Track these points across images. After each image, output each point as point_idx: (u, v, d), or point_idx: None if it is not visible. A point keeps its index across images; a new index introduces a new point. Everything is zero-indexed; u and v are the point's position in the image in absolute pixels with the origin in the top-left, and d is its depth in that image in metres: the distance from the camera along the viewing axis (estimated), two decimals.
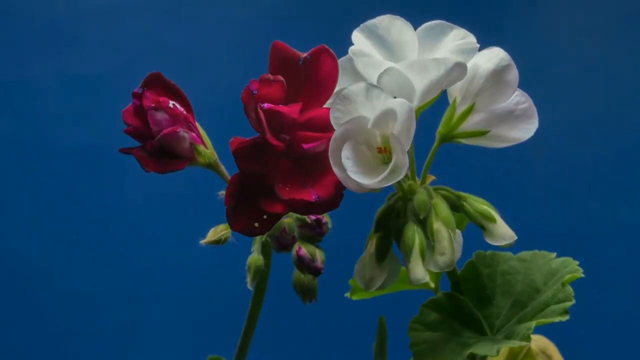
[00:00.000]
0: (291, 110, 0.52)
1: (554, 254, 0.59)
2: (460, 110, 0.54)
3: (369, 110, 0.50)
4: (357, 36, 0.53)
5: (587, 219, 1.30)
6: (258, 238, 0.60)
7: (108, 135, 1.20)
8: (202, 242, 0.58)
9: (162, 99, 0.56)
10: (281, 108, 0.51)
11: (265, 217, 0.51)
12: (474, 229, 0.55)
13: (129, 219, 1.34)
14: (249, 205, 0.51)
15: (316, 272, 0.59)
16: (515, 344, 0.53)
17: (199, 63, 1.32)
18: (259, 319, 0.64)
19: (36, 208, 1.35)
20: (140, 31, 1.37)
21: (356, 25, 0.55)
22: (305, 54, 0.53)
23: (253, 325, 0.64)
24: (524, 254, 0.60)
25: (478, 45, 0.53)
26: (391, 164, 0.49)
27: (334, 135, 0.50)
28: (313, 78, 0.53)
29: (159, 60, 1.33)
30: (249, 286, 0.60)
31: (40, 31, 1.37)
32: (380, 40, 0.53)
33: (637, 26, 1.38)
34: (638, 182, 1.33)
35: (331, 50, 0.54)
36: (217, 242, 0.58)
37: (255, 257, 0.59)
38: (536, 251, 0.60)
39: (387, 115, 0.49)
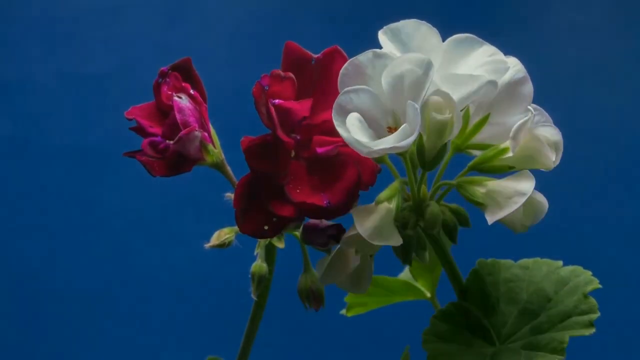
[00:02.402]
0: (302, 107, 0.51)
1: (560, 262, 0.59)
2: (474, 120, 0.53)
3: (376, 82, 0.50)
4: (382, 38, 0.53)
5: (585, 220, 1.30)
6: (262, 242, 0.59)
7: (108, 135, 1.20)
8: (207, 245, 0.58)
9: (184, 84, 0.56)
10: (292, 104, 0.51)
11: (274, 219, 0.51)
12: (474, 235, 0.55)
13: (130, 219, 1.34)
14: (258, 207, 0.51)
15: (336, 231, 0.55)
16: (548, 357, 0.53)
17: (200, 63, 1.32)
18: (261, 321, 0.64)
19: (36, 208, 1.35)
20: (140, 31, 1.37)
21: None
22: (317, 55, 0.53)
23: (255, 328, 0.64)
24: (525, 261, 0.60)
25: (509, 66, 0.52)
26: (401, 128, 0.48)
27: (337, 100, 0.49)
28: (325, 79, 0.53)
29: (159, 60, 1.32)
30: (254, 296, 0.59)
31: (40, 31, 1.37)
32: (402, 45, 0.52)
33: (637, 26, 1.38)
34: (635, 182, 1.33)
35: (343, 51, 0.54)
36: (222, 245, 0.58)
37: (258, 265, 0.59)
38: (538, 259, 0.60)
39: (397, 81, 0.49)
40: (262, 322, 0.64)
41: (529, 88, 0.53)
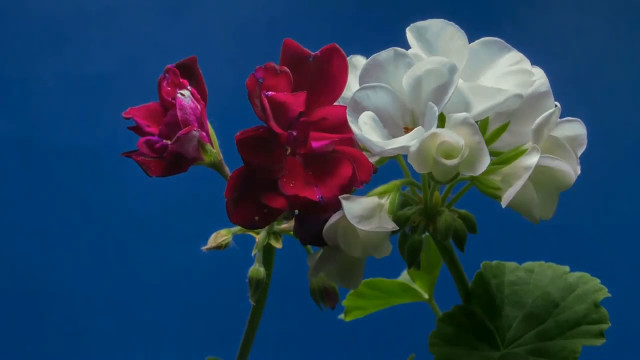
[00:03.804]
0: (296, 101, 0.51)
1: (566, 268, 0.58)
2: (493, 127, 0.52)
3: (397, 80, 0.49)
4: (408, 35, 0.52)
5: (584, 221, 1.30)
6: (259, 243, 0.59)
7: (108, 135, 1.20)
8: (204, 248, 0.57)
9: (182, 80, 0.56)
10: (286, 97, 0.51)
11: (265, 210, 0.51)
12: (479, 238, 0.55)
13: (129, 219, 1.34)
14: (250, 199, 0.51)
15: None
16: None
17: (200, 63, 1.32)
18: (259, 323, 0.64)
19: (36, 208, 1.34)
20: (141, 31, 1.37)
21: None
22: (315, 52, 0.53)
23: (254, 330, 0.64)
24: (530, 264, 0.59)
25: (535, 80, 0.51)
26: (415, 129, 0.47)
27: (353, 96, 0.49)
28: (323, 76, 0.53)
29: (159, 60, 1.32)
30: (251, 301, 0.59)
31: (41, 31, 1.37)
32: (427, 44, 0.52)
33: (637, 26, 1.37)
34: (636, 184, 1.32)
35: (341, 49, 0.53)
36: (219, 247, 0.57)
37: (256, 269, 0.58)
38: (542, 262, 0.59)
39: (421, 82, 0.48)
40: (261, 325, 0.64)
41: (550, 102, 0.52)
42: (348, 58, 0.54)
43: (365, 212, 0.50)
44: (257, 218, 0.51)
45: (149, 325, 1.33)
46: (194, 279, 1.31)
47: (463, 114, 0.47)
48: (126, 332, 1.32)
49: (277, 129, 0.51)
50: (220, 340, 1.13)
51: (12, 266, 1.33)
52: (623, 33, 1.38)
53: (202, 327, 1.31)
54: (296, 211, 0.53)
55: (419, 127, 0.47)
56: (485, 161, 0.47)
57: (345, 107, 0.52)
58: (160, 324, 1.32)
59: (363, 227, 0.49)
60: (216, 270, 1.23)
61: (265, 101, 0.50)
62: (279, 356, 1.26)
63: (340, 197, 0.49)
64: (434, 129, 0.47)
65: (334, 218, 0.50)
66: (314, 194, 0.50)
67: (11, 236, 1.33)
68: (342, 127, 0.52)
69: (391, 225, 0.50)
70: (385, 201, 0.51)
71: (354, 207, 0.49)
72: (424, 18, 0.53)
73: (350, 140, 0.52)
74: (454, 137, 0.47)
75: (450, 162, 0.47)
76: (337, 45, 0.54)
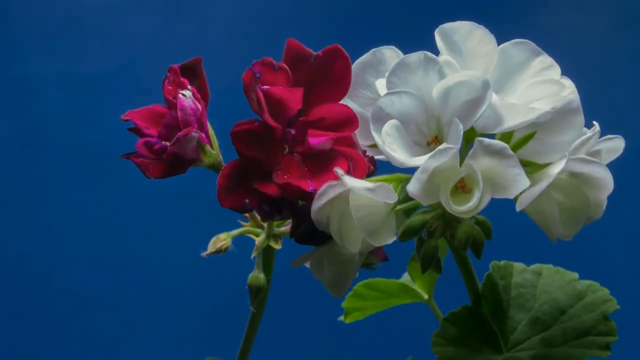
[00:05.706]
0: (293, 97, 0.51)
1: (575, 275, 0.58)
2: (519, 134, 0.51)
3: (425, 85, 0.48)
4: (436, 38, 0.51)
5: (590, 227, 1.29)
6: (259, 245, 0.59)
7: (108, 135, 1.20)
8: (204, 254, 0.57)
9: (182, 79, 0.56)
10: (282, 93, 0.51)
11: (256, 194, 0.51)
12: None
13: (130, 219, 1.34)
14: (243, 187, 0.51)
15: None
16: None
17: None
18: (260, 324, 0.64)
19: (36, 208, 1.34)
20: (141, 31, 1.37)
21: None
22: (317, 52, 0.53)
23: (254, 332, 0.64)
24: (538, 267, 0.59)
25: (567, 94, 0.50)
26: (438, 148, 0.46)
27: (378, 102, 0.48)
28: (325, 76, 0.53)
29: (159, 60, 1.32)
30: (252, 307, 0.59)
31: (40, 31, 1.37)
32: (454, 46, 0.51)
33: (636, 27, 1.37)
34: (635, 185, 1.32)
35: (344, 50, 0.53)
36: (218, 252, 0.57)
37: (255, 275, 0.58)
38: (551, 266, 0.59)
39: (451, 94, 0.48)
40: (261, 325, 0.64)
41: (580, 120, 0.51)
42: (371, 52, 0.54)
43: (370, 185, 0.48)
44: (247, 200, 0.51)
45: (149, 325, 1.33)
46: (194, 280, 1.31)
47: (500, 144, 0.46)
48: (126, 332, 1.32)
49: (271, 121, 0.51)
50: (220, 340, 1.13)
51: (12, 266, 1.33)
52: (623, 32, 1.38)
53: (202, 327, 1.31)
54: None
55: (442, 145, 0.46)
56: (523, 186, 0.46)
57: (344, 106, 0.52)
58: (160, 324, 1.32)
59: (367, 193, 0.47)
60: (216, 271, 1.23)
61: (260, 94, 0.50)
62: (279, 357, 1.26)
63: (336, 170, 0.48)
64: (458, 148, 0.45)
65: (323, 199, 0.49)
66: (307, 185, 0.50)
67: (11, 236, 1.33)
68: (341, 125, 0.52)
69: (389, 196, 0.48)
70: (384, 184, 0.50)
71: (348, 178, 0.48)
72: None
73: (349, 138, 0.52)
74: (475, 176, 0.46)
75: (461, 208, 0.47)
76: (340, 46, 0.54)
